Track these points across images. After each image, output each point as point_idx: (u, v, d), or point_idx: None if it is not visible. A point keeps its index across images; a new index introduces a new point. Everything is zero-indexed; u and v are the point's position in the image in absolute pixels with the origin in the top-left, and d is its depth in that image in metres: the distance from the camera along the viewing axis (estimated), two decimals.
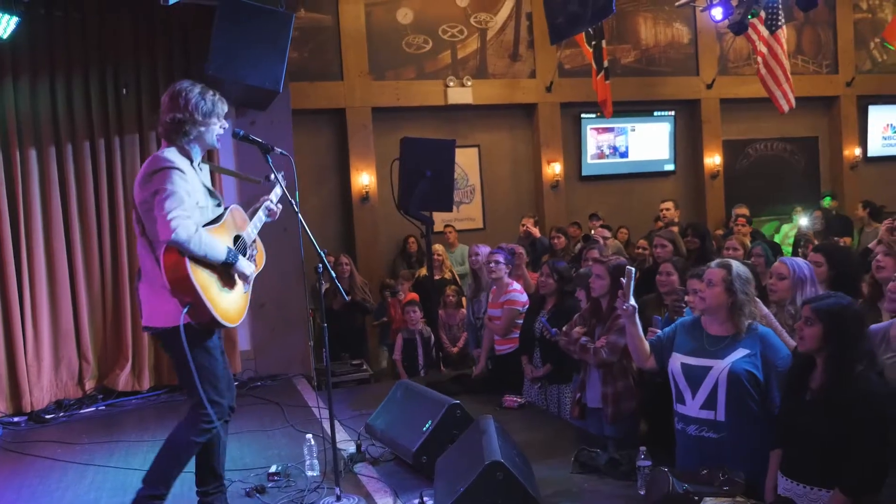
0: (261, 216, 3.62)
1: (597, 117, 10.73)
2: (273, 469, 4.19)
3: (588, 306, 4.63)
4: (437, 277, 8.03)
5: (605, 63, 9.45)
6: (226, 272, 3.35)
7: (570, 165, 10.87)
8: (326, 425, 5.05)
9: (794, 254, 6.22)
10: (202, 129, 3.31)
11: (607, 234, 6.87)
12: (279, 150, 3.55)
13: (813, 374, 2.98)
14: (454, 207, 7.87)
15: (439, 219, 8.77)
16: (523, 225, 8.37)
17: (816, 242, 6.51)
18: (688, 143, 11.54)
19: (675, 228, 6.92)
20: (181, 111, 3.26)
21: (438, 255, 8.16)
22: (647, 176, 11.32)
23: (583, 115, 10.85)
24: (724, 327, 3.35)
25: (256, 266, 3.54)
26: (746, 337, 3.30)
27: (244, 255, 3.42)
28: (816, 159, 12.43)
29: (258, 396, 6.19)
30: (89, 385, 6.36)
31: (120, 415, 6.02)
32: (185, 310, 3.16)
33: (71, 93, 6.27)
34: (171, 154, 3.27)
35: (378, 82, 9.94)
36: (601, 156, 11.12)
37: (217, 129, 3.40)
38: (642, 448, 3.55)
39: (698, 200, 11.50)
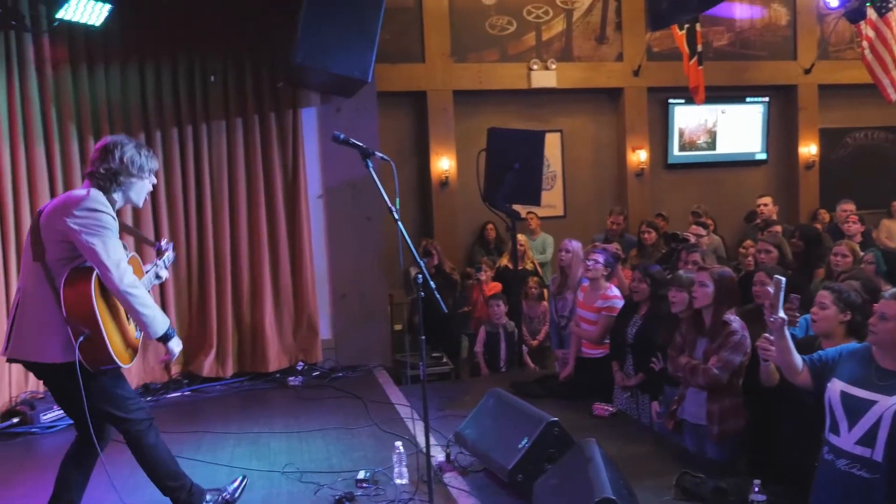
0: (151, 277, 3.71)
1: (685, 103, 10.27)
2: (361, 475, 4.10)
3: (687, 318, 4.36)
4: (518, 268, 7.87)
5: (699, 48, 9.01)
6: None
7: (655, 153, 10.48)
8: (411, 426, 5.02)
9: None
10: (133, 180, 3.37)
11: (702, 232, 6.51)
12: (380, 154, 3.41)
13: None
14: None
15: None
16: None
17: None
18: (781, 131, 10.96)
19: (779, 228, 6.52)
20: (115, 163, 3.30)
21: (521, 245, 7.97)
22: (737, 165, 10.82)
23: (670, 101, 10.41)
24: None
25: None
26: None
27: None
28: None
29: (340, 389, 6.16)
30: (175, 370, 6.44)
31: (204, 402, 6.06)
32: (80, 339, 3.11)
33: (160, 80, 6.28)
34: (101, 197, 3.24)
35: (460, 64, 9.71)
36: None
37: (147, 184, 3.46)
38: (756, 481, 3.30)
39: (790, 192, 10.93)
